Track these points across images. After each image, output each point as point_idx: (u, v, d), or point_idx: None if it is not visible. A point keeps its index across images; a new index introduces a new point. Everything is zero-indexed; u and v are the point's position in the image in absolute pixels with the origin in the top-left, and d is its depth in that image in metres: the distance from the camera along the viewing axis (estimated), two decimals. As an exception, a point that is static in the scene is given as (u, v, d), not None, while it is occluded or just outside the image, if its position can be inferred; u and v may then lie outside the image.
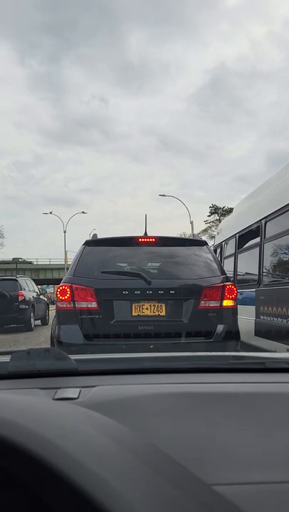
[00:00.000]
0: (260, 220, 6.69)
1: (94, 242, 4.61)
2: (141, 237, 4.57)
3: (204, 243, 4.82)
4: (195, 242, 4.91)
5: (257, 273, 6.85)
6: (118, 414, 0.73)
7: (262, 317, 6.38)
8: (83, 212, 52.36)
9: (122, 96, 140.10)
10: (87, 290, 4.08)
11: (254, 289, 6.85)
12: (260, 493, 0.62)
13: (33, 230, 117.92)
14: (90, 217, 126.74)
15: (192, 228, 33.35)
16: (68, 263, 47.51)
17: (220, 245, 10.05)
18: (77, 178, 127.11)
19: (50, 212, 45.88)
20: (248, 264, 7.64)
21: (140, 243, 4.51)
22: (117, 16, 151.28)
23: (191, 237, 6.90)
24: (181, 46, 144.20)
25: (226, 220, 11.75)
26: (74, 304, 4.07)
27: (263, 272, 6.64)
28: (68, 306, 4.10)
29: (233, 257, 8.50)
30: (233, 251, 8.46)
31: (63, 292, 4.13)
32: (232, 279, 8.30)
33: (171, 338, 4.03)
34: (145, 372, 1.17)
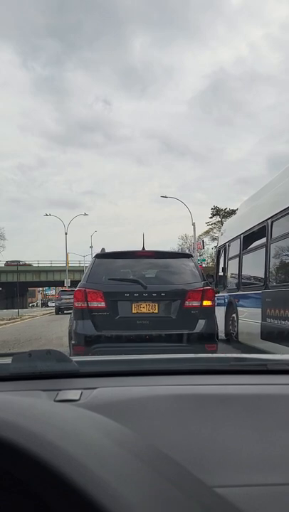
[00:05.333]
0: (266, 220, 6.49)
1: (102, 255, 5.81)
2: (139, 252, 5.81)
3: (190, 256, 6.08)
4: (182, 255, 6.29)
5: (263, 274, 6.63)
6: (119, 415, 0.73)
7: (268, 320, 6.17)
8: (85, 214, 52.22)
9: (125, 99, 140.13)
10: (97, 293, 5.15)
11: (260, 291, 6.63)
12: (262, 495, 0.62)
13: (34, 232, 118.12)
14: (92, 219, 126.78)
15: (194, 230, 32.96)
16: (69, 265, 47.28)
17: (223, 246, 9.73)
18: (79, 180, 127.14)
19: (50, 214, 45.57)
20: (253, 265, 7.42)
21: (139, 256, 5.73)
22: (120, 19, 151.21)
23: (180, 251, 8.64)
24: (184, 49, 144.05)
25: (229, 220, 11.15)
26: (87, 303, 5.13)
27: (269, 274, 6.43)
28: (83, 305, 5.16)
29: (237, 258, 8.24)
30: (238, 252, 8.19)
31: (79, 295, 5.22)
32: (237, 280, 8.08)
33: (163, 330, 5.08)
34: (146, 374, 1.16)
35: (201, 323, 5.16)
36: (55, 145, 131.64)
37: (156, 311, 5.20)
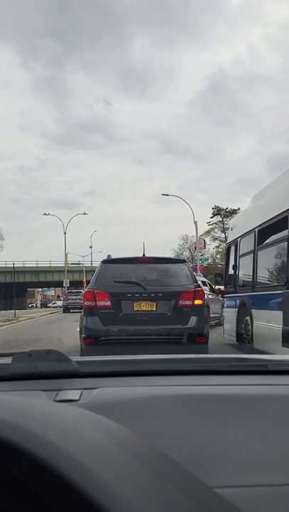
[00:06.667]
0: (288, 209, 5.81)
1: (109, 261, 6.90)
2: (140, 258, 6.77)
3: (184, 261, 7.22)
4: (177, 261, 7.44)
5: (285, 272, 5.94)
6: (119, 416, 0.73)
7: None
8: (84, 213, 51.68)
9: (125, 100, 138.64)
10: (104, 294, 6.03)
11: (281, 291, 5.97)
12: (262, 495, 0.62)
13: (34, 232, 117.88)
14: (91, 219, 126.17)
15: (196, 228, 32.04)
16: (69, 265, 46.99)
17: (234, 242, 8.76)
18: (79, 181, 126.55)
19: (48, 213, 45.40)
20: (271, 262, 6.65)
21: (140, 261, 6.62)
22: (120, 19, 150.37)
23: (175, 257, 9.54)
24: (184, 50, 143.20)
25: (240, 214, 9.61)
26: (95, 302, 6.00)
27: None
28: (92, 304, 6.03)
29: (251, 255, 7.42)
30: (252, 248, 7.39)
31: (88, 295, 6.15)
32: (251, 279, 7.48)
33: (160, 325, 5.89)
34: (146, 374, 1.16)
35: (193, 319, 6.01)
36: (56, 146, 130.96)
37: (155, 308, 6.06)
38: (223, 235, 54.93)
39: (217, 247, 56.84)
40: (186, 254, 54.21)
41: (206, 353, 5.68)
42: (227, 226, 53.90)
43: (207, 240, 46.90)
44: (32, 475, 0.42)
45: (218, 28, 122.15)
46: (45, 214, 45.23)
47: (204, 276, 20.21)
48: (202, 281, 14.54)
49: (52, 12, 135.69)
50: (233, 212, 52.87)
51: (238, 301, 8.18)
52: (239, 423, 0.81)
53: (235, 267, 8.78)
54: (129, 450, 0.49)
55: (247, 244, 7.86)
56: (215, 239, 56.17)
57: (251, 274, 7.48)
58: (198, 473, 0.52)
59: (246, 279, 7.99)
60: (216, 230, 56.19)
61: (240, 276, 8.45)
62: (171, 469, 0.50)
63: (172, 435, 0.77)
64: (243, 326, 7.75)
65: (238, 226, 8.81)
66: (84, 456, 0.43)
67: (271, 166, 79.70)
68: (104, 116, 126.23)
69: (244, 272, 8.16)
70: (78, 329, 7.05)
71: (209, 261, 48.34)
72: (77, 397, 0.92)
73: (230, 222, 10.23)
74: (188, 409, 0.88)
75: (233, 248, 8.97)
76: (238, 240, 8.47)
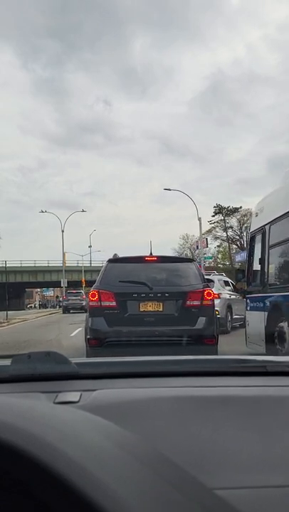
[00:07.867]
0: None
1: (114, 260, 6.72)
2: (147, 256, 6.54)
3: (192, 260, 7.25)
4: (185, 260, 7.54)
5: None
6: (119, 417, 0.72)
7: None
8: (82, 211, 51.15)
9: (125, 100, 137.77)
10: (109, 294, 5.89)
11: None
12: (262, 497, 0.62)
13: (34, 232, 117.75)
14: (91, 219, 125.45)
15: (200, 225, 30.85)
16: (66, 265, 46.62)
17: (261, 230, 7.09)
18: (79, 181, 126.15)
19: (45, 211, 45.24)
20: None
21: (146, 261, 6.42)
22: (120, 19, 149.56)
23: (183, 256, 9.55)
24: (184, 50, 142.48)
25: (270, 195, 7.40)
26: (101, 303, 5.87)
27: None
28: (97, 304, 5.91)
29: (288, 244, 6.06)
30: None
31: (94, 295, 6.03)
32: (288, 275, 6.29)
33: (167, 326, 5.75)
34: (146, 376, 1.16)
35: (201, 320, 5.80)
36: (56, 146, 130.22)
37: (161, 309, 5.88)
38: (224, 234, 54.71)
39: (218, 246, 56.57)
40: (187, 253, 53.93)
41: (215, 355, 5.45)
42: (229, 225, 53.73)
43: (209, 238, 46.29)
44: (32, 477, 0.42)
45: (217, 28, 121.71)
46: (42, 211, 45.02)
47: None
48: (224, 281, 14.07)
49: (52, 12, 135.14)
50: (235, 210, 52.50)
51: (268, 303, 6.64)
52: (239, 424, 0.82)
53: (263, 261, 7.02)
54: (129, 452, 0.49)
55: (282, 232, 6.22)
56: (216, 238, 55.64)
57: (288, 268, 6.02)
58: (198, 475, 0.52)
59: (281, 276, 6.53)
60: (217, 229, 55.58)
61: (270, 271, 6.79)
62: (172, 471, 0.50)
63: (172, 437, 0.77)
64: (276, 334, 6.23)
65: (266, 210, 7.03)
66: (83, 458, 0.43)
67: (271, 166, 79.35)
68: (105, 117, 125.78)
69: (277, 267, 6.63)
70: (73, 334, 6.97)
71: (210, 260, 48.04)
72: (76, 399, 0.92)
73: (256, 205, 7.95)
74: (188, 410, 0.88)
75: (259, 237, 7.20)
76: (267, 227, 6.76)
